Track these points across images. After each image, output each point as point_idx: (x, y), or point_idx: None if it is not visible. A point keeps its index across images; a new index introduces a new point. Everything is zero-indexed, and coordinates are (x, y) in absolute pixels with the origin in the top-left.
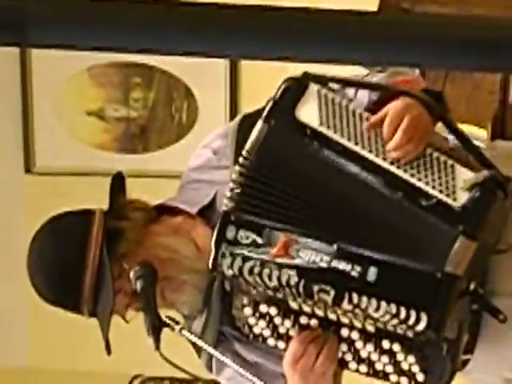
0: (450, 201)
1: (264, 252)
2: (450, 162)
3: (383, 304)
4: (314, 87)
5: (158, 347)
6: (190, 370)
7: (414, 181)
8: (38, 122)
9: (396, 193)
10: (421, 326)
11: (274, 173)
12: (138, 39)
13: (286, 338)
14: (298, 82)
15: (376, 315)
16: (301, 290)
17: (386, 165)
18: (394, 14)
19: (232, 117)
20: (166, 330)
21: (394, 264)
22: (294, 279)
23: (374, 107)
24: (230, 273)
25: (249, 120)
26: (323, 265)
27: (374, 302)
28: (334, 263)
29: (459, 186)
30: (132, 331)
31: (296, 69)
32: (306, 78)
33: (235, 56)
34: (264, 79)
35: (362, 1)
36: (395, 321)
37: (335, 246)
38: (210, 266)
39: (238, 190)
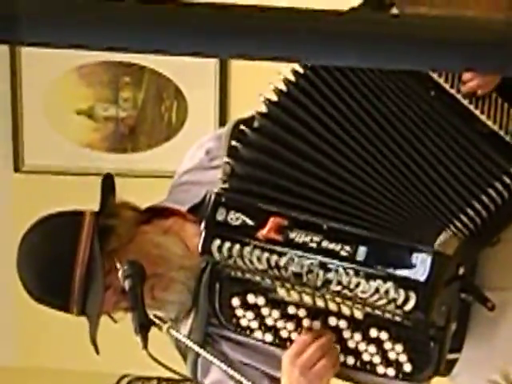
0: (502, 133)
1: (254, 233)
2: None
3: (372, 283)
4: None
5: (145, 346)
6: (177, 370)
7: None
8: (28, 121)
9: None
10: (409, 306)
11: (264, 154)
12: (128, 39)
13: (274, 331)
14: None
15: (365, 295)
16: (289, 271)
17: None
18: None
19: (221, 117)
20: (154, 330)
21: (383, 243)
22: (283, 260)
23: None
24: (218, 256)
25: (242, 125)
26: (313, 245)
27: (363, 281)
28: (324, 243)
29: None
30: (120, 331)
31: (286, 69)
32: None
33: (225, 56)
34: (254, 79)
35: (349, 2)
36: (384, 301)
37: (325, 226)
38: (200, 248)
39: (229, 172)
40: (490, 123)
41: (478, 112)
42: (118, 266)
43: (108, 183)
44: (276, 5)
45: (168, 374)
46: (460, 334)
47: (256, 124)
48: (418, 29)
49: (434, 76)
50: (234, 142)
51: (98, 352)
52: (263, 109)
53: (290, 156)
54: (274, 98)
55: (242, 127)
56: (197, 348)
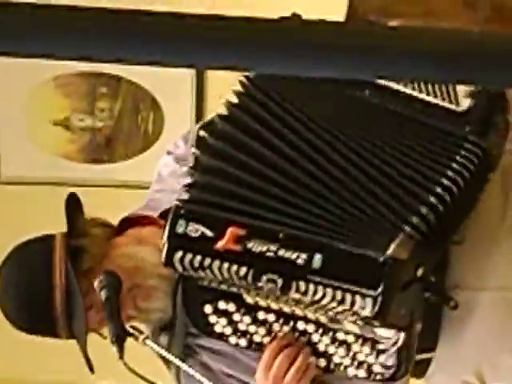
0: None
1: (213, 245)
2: None
3: (329, 291)
4: None
5: (121, 356)
6: (153, 380)
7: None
8: (4, 131)
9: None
10: (365, 312)
11: (222, 160)
12: (104, 49)
13: (247, 336)
14: None
15: (323, 302)
16: (249, 280)
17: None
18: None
19: None
20: (131, 341)
21: (338, 250)
22: (243, 270)
23: None
24: (180, 268)
25: (202, 130)
26: (270, 254)
27: (320, 289)
28: (281, 252)
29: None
30: (97, 341)
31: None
32: None
33: (201, 66)
34: (230, 90)
35: (329, 11)
36: (342, 307)
37: (281, 235)
38: (163, 261)
39: (190, 182)
40: (431, 99)
41: (416, 92)
42: (95, 283)
43: (72, 203)
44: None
45: None
46: (432, 333)
47: (216, 128)
48: (394, 40)
49: None
50: (193, 149)
51: (92, 370)
52: (224, 111)
53: (248, 161)
54: (235, 99)
55: (201, 133)
56: (175, 360)
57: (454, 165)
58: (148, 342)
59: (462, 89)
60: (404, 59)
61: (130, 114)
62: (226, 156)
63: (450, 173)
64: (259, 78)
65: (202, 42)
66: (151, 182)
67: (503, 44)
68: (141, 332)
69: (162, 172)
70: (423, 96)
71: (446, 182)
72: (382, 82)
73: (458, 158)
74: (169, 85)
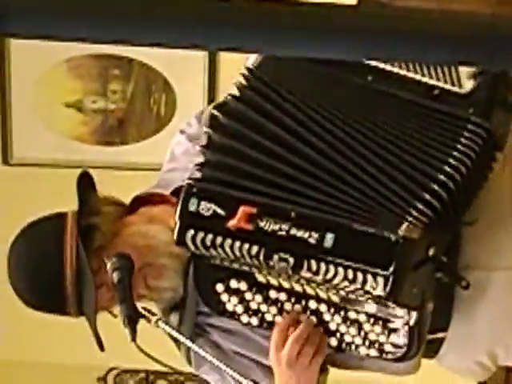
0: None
1: (225, 223)
2: None
3: (340, 270)
4: None
5: (134, 338)
6: (166, 362)
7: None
8: (16, 114)
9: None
10: (377, 291)
11: (235, 139)
12: (117, 30)
13: (259, 314)
14: None
15: (335, 282)
16: (261, 259)
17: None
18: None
19: None
20: (143, 323)
21: (350, 229)
22: (255, 249)
23: None
24: (192, 246)
25: (216, 109)
26: (282, 233)
27: (331, 268)
28: (293, 231)
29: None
30: (108, 323)
31: None
32: None
33: (214, 48)
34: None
35: None
36: (353, 286)
37: (293, 214)
38: (175, 240)
39: (202, 161)
40: (434, 82)
41: (418, 76)
42: (107, 261)
43: (85, 181)
44: None
45: (156, 367)
46: (445, 313)
47: (229, 107)
48: (407, 22)
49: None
50: (205, 129)
51: (102, 349)
52: (236, 92)
53: (260, 140)
54: (245, 81)
55: (214, 112)
56: (187, 341)
57: (459, 146)
58: (161, 323)
59: (464, 70)
60: (416, 42)
61: (143, 95)
62: (239, 135)
63: (456, 153)
64: (261, 68)
65: (214, 23)
66: (163, 164)
67: None
68: (153, 314)
69: (174, 151)
70: (426, 79)
71: (453, 161)
72: (384, 66)
73: (462, 139)
74: (181, 66)
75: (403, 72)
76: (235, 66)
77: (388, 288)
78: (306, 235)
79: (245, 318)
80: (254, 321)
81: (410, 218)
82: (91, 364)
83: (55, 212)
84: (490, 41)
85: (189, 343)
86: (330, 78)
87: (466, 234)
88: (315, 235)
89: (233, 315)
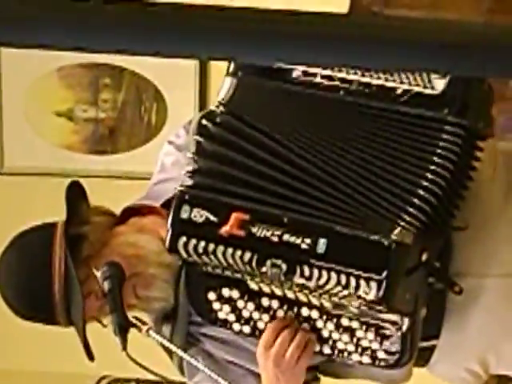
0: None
1: (218, 230)
2: None
3: (333, 275)
4: None
5: (124, 348)
6: (157, 371)
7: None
8: (7, 123)
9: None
10: (370, 297)
11: (225, 147)
12: (109, 40)
13: (251, 323)
14: None
15: (328, 287)
16: (254, 265)
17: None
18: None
19: None
20: (134, 332)
21: (343, 234)
22: (247, 255)
23: None
24: (185, 254)
25: (205, 119)
26: (274, 239)
27: (324, 273)
28: (285, 237)
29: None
30: (99, 332)
31: None
32: None
33: (205, 57)
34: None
35: (332, 3)
36: (346, 292)
37: (285, 219)
38: (167, 247)
39: (193, 168)
40: (405, 86)
41: (389, 83)
42: (95, 271)
43: (74, 191)
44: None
45: (148, 376)
46: (436, 321)
47: (218, 116)
48: (398, 31)
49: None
50: (195, 137)
51: (91, 358)
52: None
53: (251, 148)
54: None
55: (204, 121)
56: (178, 351)
57: (439, 150)
58: (151, 332)
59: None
60: (407, 51)
61: (133, 104)
62: (229, 142)
63: (436, 159)
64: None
65: (205, 32)
66: (153, 174)
67: (507, 34)
68: (144, 323)
69: (164, 161)
70: (397, 85)
71: (435, 167)
72: (353, 77)
73: (441, 143)
74: (172, 75)
75: (372, 80)
76: None
77: (381, 293)
78: (299, 241)
79: (237, 327)
80: (246, 329)
81: (403, 223)
82: (82, 372)
83: (45, 222)
84: (482, 50)
85: (180, 352)
86: (299, 95)
87: (457, 239)
88: (308, 241)
89: (225, 324)
